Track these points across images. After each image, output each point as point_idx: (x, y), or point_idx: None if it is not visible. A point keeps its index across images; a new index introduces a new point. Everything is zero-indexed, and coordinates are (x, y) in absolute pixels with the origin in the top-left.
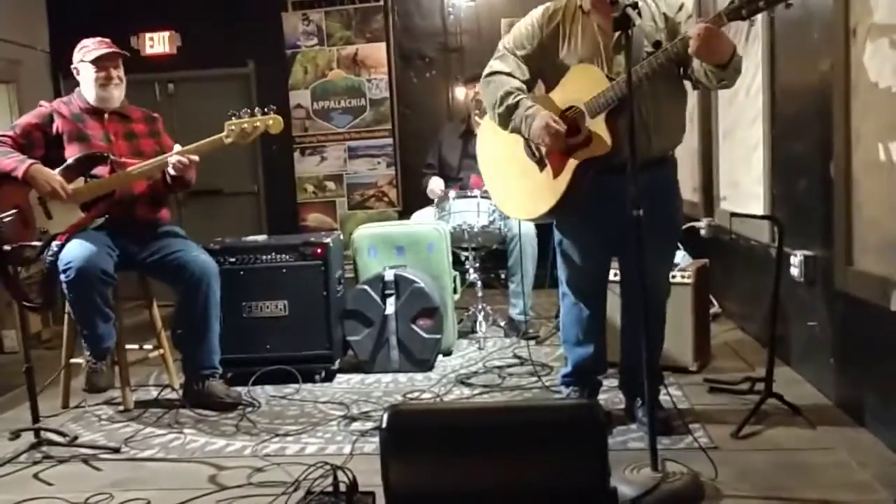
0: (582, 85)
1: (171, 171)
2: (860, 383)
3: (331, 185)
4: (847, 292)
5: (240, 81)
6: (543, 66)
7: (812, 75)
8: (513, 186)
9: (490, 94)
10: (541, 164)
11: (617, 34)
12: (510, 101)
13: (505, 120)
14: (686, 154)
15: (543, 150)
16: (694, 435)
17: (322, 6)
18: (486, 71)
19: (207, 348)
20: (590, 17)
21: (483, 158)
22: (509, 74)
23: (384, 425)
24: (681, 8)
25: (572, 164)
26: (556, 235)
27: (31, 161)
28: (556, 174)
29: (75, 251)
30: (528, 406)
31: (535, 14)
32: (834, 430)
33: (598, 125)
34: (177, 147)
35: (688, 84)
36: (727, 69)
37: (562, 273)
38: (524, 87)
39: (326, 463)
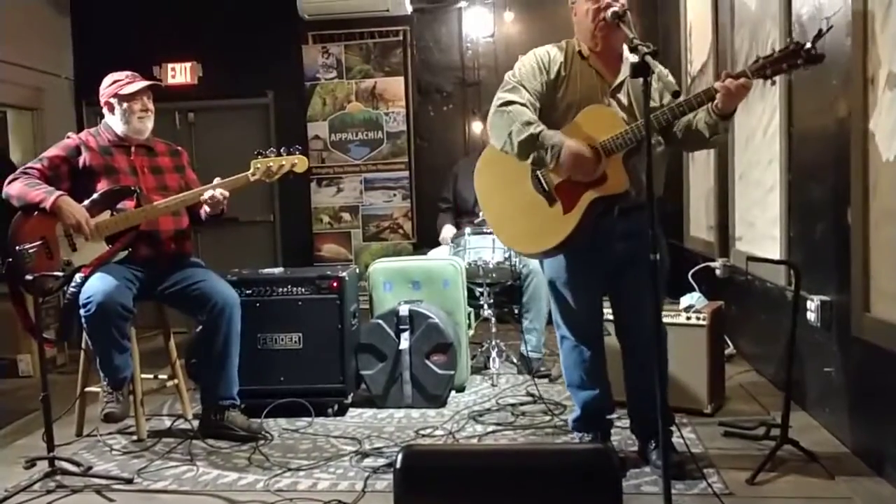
0: (596, 124)
1: (206, 209)
2: (878, 432)
3: (346, 216)
4: (864, 339)
5: (259, 112)
6: (543, 104)
7: (830, 121)
8: (519, 220)
9: (506, 122)
10: (550, 199)
11: (619, 81)
12: (533, 129)
13: (527, 148)
14: (702, 193)
15: (554, 183)
16: (708, 480)
17: (342, 40)
18: (499, 102)
19: (227, 379)
20: (588, 61)
21: (483, 192)
22: (524, 105)
23: (398, 465)
24: (668, 75)
25: (586, 200)
26: (549, 275)
27: (58, 193)
28: (566, 209)
29: (96, 286)
30: (542, 450)
31: (539, 53)
32: (851, 480)
33: (614, 164)
34: (216, 180)
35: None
36: (726, 121)
37: (557, 315)
38: (539, 120)
39: (339, 501)
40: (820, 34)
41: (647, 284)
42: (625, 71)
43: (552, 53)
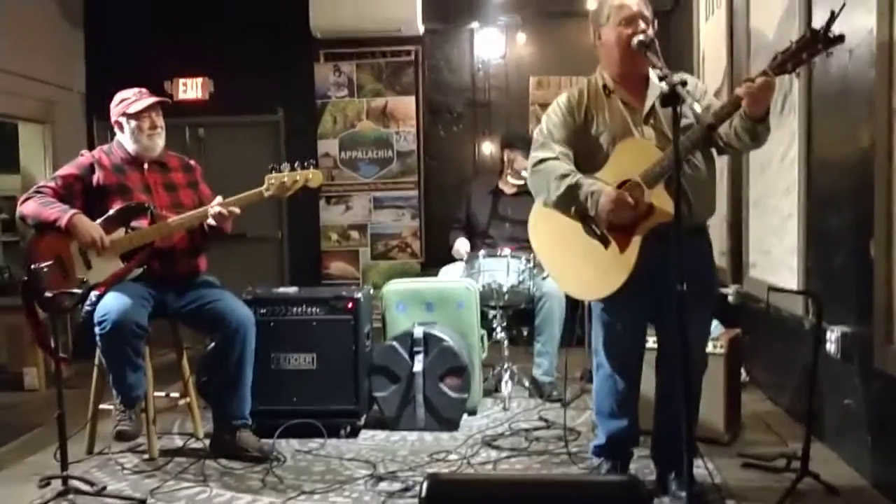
0: (632, 158)
1: (211, 222)
2: None
3: (355, 234)
4: (887, 371)
5: (269, 128)
6: (578, 148)
7: (851, 150)
8: (581, 269)
9: (543, 179)
10: (604, 241)
11: (648, 108)
12: (570, 181)
13: (566, 201)
14: (714, 219)
15: (604, 226)
16: None
17: (354, 58)
18: (532, 162)
19: (240, 399)
20: (613, 95)
21: (542, 248)
22: (556, 159)
23: (423, 494)
24: (711, 101)
25: (638, 235)
26: (598, 305)
27: (73, 211)
28: (622, 249)
29: (111, 304)
30: (571, 481)
31: (562, 101)
32: None
33: (658, 194)
34: (217, 199)
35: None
36: (764, 123)
37: (598, 343)
38: (575, 169)
39: None
40: (833, 16)
41: (697, 311)
42: (652, 95)
43: (575, 97)
